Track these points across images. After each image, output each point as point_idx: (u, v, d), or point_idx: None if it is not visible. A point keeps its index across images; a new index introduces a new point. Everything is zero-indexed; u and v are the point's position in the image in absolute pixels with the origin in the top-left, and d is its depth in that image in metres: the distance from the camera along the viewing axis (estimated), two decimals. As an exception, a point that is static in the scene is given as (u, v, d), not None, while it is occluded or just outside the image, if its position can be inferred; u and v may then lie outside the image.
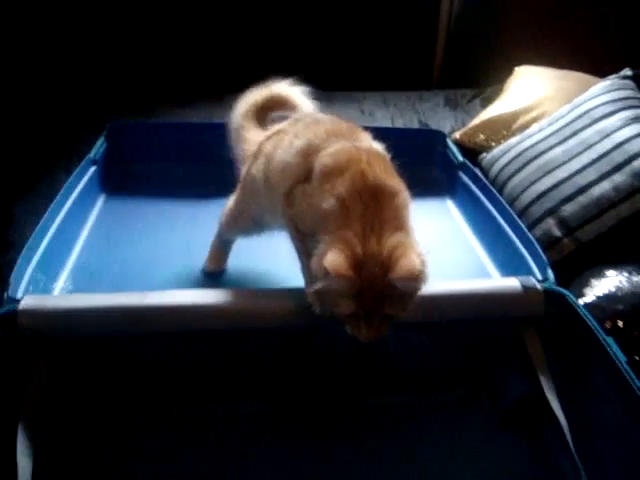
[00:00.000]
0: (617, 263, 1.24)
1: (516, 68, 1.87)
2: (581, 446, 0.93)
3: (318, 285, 0.79)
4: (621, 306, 1.16)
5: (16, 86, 1.94)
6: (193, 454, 0.98)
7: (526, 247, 1.16)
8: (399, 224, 0.82)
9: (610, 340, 0.96)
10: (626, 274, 1.21)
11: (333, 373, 1.04)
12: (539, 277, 1.07)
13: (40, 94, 1.96)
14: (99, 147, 1.47)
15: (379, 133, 1.65)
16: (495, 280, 1.17)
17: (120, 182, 1.48)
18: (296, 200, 0.91)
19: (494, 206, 1.32)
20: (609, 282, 1.21)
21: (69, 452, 0.96)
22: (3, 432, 0.89)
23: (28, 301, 0.96)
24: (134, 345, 1.00)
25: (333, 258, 0.76)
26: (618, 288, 1.19)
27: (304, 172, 0.91)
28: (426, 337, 1.03)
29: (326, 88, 1.97)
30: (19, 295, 0.98)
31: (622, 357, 0.93)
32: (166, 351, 1.02)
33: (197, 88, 2.02)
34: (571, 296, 1.02)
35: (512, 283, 1.04)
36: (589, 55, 1.94)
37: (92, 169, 1.42)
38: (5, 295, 0.98)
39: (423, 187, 1.46)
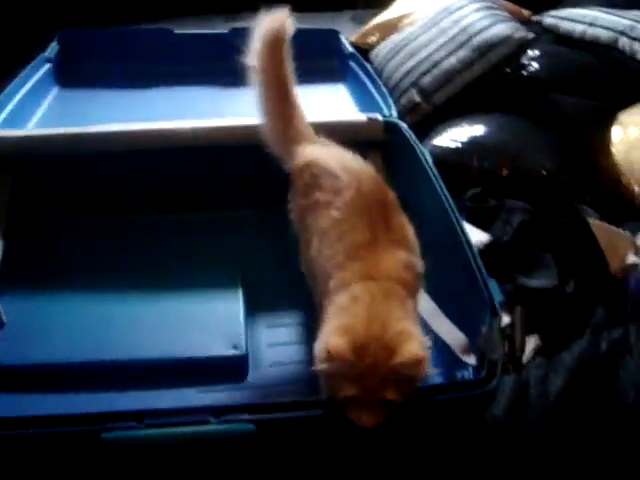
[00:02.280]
0: (461, 117, 1.60)
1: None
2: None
3: (321, 367, 0.81)
4: (459, 144, 1.53)
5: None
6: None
7: (384, 101, 1.51)
8: (402, 313, 0.85)
9: (425, 152, 1.32)
10: (465, 124, 1.58)
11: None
12: (386, 114, 1.43)
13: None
14: (52, 48, 1.79)
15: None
16: (350, 115, 1.52)
17: (72, 78, 1.77)
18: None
19: (372, 84, 1.67)
20: (453, 129, 1.57)
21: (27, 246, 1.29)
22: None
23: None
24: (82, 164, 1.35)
25: (336, 342, 0.79)
26: (458, 132, 1.56)
27: None
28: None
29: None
30: None
31: (430, 160, 1.29)
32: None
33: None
34: (403, 124, 1.38)
35: (360, 117, 1.41)
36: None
37: (46, 66, 1.74)
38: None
39: (321, 76, 1.85)
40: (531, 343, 1.16)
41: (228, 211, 1.40)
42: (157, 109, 1.68)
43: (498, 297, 0.96)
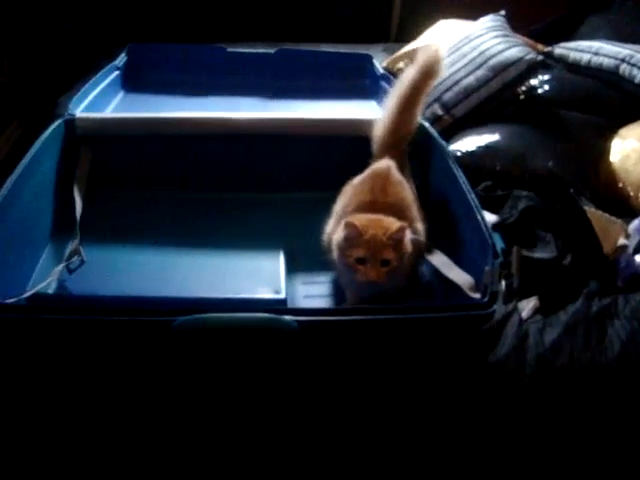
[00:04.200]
0: (477, 127, 1.82)
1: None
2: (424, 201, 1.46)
3: (341, 234, 1.19)
4: (474, 148, 1.75)
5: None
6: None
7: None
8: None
9: (445, 144, 1.53)
10: (479, 132, 1.79)
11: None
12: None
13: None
14: (122, 59, 2.05)
15: (321, 56, 2.25)
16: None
17: (136, 85, 2.02)
18: None
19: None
20: (470, 137, 1.78)
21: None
22: (66, 186, 1.47)
23: (82, 114, 1.55)
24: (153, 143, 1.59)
25: (350, 220, 1.17)
26: (473, 139, 1.77)
27: None
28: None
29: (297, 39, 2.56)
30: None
31: (450, 152, 1.50)
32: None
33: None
34: (426, 123, 1.60)
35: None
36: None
37: (115, 73, 2.00)
38: (66, 114, 1.56)
39: (356, 93, 2.10)
40: (532, 304, 1.35)
41: (277, 194, 1.64)
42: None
43: (499, 244, 1.16)
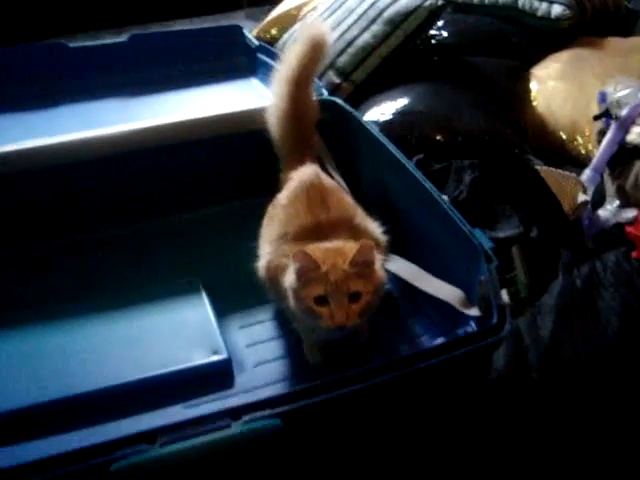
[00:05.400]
0: (384, 91, 1.60)
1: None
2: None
3: (291, 272, 0.92)
4: (390, 116, 1.52)
5: None
6: None
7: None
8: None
9: (364, 120, 1.30)
10: (390, 97, 1.57)
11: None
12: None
13: None
14: None
15: (183, 36, 1.91)
16: None
17: None
18: None
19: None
20: (381, 104, 1.56)
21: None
22: None
23: None
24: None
25: (303, 249, 0.90)
26: (386, 106, 1.54)
27: None
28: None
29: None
30: None
31: (373, 125, 1.27)
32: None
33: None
34: (339, 100, 1.35)
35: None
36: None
37: None
38: None
39: (230, 72, 1.78)
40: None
41: (174, 216, 1.32)
42: (65, 128, 1.56)
43: (487, 244, 0.94)
